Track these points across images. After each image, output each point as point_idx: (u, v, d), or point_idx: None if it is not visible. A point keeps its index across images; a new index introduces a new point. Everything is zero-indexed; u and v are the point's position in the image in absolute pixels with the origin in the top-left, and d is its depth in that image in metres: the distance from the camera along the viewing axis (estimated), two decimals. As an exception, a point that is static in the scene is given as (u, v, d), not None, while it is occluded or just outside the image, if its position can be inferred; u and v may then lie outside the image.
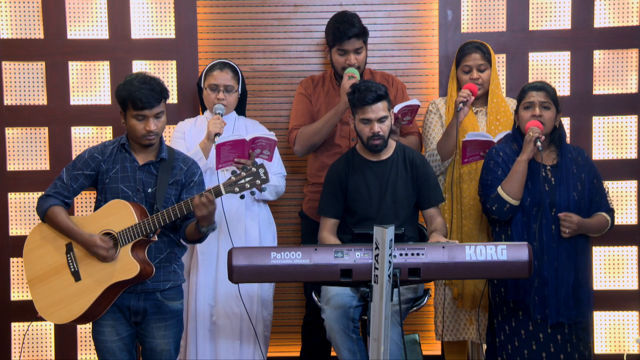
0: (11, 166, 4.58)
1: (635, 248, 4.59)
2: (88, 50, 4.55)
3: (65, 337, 4.58)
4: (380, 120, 3.73)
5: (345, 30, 4.12)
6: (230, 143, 3.84)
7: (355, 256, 3.07)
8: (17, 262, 4.57)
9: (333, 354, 4.22)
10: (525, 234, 3.68)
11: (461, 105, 3.98)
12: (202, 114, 4.29)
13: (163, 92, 3.41)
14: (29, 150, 4.59)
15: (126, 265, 3.33)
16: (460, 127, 4.07)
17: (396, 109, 4.04)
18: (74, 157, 4.48)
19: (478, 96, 4.17)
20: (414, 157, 3.87)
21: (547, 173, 3.71)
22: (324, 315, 3.74)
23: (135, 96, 3.34)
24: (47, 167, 4.57)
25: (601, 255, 4.60)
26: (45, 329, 4.60)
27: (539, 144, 3.59)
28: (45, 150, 4.58)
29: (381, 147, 3.79)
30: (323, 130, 4.17)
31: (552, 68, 4.60)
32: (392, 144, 3.89)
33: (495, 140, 3.96)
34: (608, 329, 4.62)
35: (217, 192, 3.31)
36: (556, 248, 3.67)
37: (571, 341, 3.67)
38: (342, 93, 4.05)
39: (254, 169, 3.31)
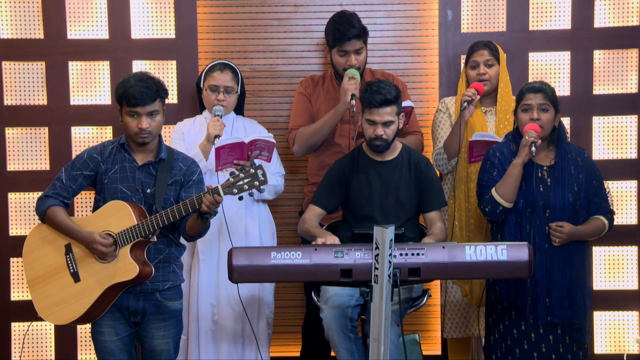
0: (11, 166, 4.58)
1: (635, 248, 4.59)
2: (88, 50, 4.56)
3: (65, 337, 4.59)
4: (385, 124, 3.71)
5: (345, 31, 4.11)
6: (229, 146, 3.85)
7: (355, 256, 3.07)
8: (17, 262, 4.57)
9: (333, 354, 4.22)
10: (518, 235, 3.68)
11: (465, 104, 3.98)
12: (201, 113, 4.29)
13: (159, 91, 3.41)
14: (29, 150, 4.59)
15: (125, 266, 3.33)
16: (469, 127, 4.07)
17: None
18: (74, 157, 4.48)
19: (487, 94, 4.17)
20: (419, 159, 3.86)
21: (543, 174, 3.71)
22: (322, 314, 3.73)
23: (128, 93, 3.35)
24: (47, 167, 4.57)
25: (601, 255, 4.60)
26: (45, 329, 4.60)
27: (533, 148, 3.57)
28: (45, 150, 4.58)
29: (382, 149, 3.77)
30: (322, 131, 4.16)
31: (552, 68, 4.60)
32: (398, 146, 3.87)
33: (502, 141, 3.95)
34: (608, 329, 4.62)
35: (215, 194, 3.31)
36: (549, 249, 3.65)
37: (564, 342, 3.66)
38: (341, 94, 4.05)
39: (252, 171, 3.30)
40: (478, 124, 4.13)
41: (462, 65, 4.32)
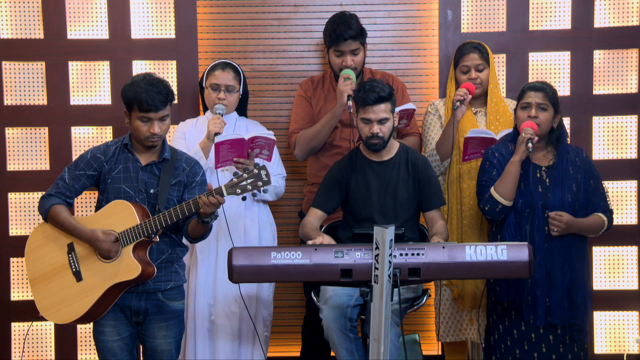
0: (11, 166, 4.58)
1: (635, 248, 4.59)
2: (88, 50, 4.56)
3: (65, 337, 4.59)
4: (381, 121, 3.72)
5: (341, 32, 4.12)
6: (229, 142, 3.85)
7: (355, 256, 3.08)
8: (17, 262, 4.57)
9: (333, 354, 4.22)
10: (517, 235, 3.68)
11: (458, 103, 3.99)
12: (204, 113, 4.29)
13: (169, 95, 3.41)
14: (29, 150, 4.59)
15: (128, 266, 3.33)
16: (460, 127, 4.08)
17: None
18: (74, 157, 4.49)
19: (477, 96, 4.17)
20: (417, 158, 3.86)
21: (542, 174, 3.71)
22: (322, 314, 3.74)
23: (141, 98, 3.34)
24: (47, 167, 4.57)
25: (601, 255, 4.60)
26: (46, 329, 4.60)
27: (530, 145, 3.58)
28: (45, 150, 4.58)
29: (379, 147, 3.78)
30: (321, 134, 4.17)
31: (552, 68, 4.61)
32: (395, 145, 3.87)
33: (498, 137, 3.96)
34: (608, 329, 4.62)
35: (218, 194, 3.31)
36: (548, 249, 3.66)
37: (564, 342, 3.67)
38: (338, 95, 4.05)
39: (255, 171, 3.30)
40: (469, 125, 4.13)
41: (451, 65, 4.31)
